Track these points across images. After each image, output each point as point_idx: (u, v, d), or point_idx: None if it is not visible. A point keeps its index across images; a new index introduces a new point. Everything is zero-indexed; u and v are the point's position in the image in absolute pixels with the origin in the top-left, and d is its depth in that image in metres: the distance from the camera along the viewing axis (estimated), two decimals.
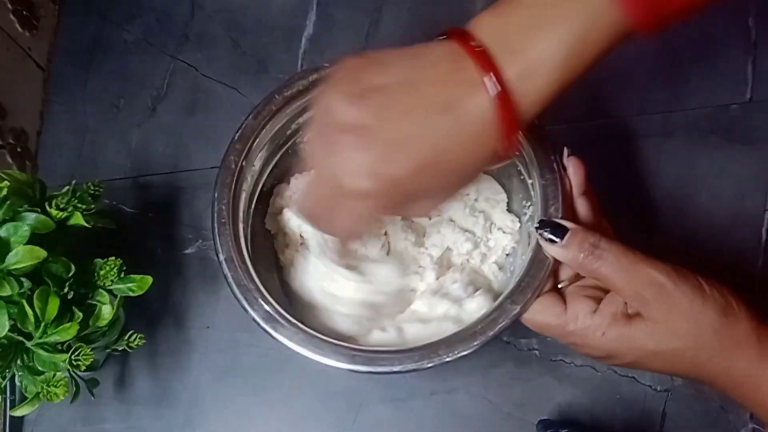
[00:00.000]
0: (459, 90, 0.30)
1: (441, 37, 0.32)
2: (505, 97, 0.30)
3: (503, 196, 0.48)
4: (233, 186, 0.42)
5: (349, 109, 0.31)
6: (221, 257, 0.40)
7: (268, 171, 0.47)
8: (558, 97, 0.31)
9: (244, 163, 0.43)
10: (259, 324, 0.39)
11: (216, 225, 0.41)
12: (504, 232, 0.47)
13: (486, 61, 0.30)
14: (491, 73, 0.30)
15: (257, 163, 0.45)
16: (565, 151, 0.40)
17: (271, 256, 0.48)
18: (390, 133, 0.30)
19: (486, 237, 0.47)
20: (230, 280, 0.40)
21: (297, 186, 0.48)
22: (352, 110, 0.31)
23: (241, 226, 0.42)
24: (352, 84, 0.31)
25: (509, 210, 0.48)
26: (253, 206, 0.45)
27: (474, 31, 0.31)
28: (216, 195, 0.42)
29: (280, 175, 0.48)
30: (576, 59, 0.30)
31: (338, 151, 0.31)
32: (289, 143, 0.47)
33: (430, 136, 0.31)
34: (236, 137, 0.43)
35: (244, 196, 0.43)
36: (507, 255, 0.47)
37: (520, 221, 0.47)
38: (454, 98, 0.30)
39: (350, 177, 0.31)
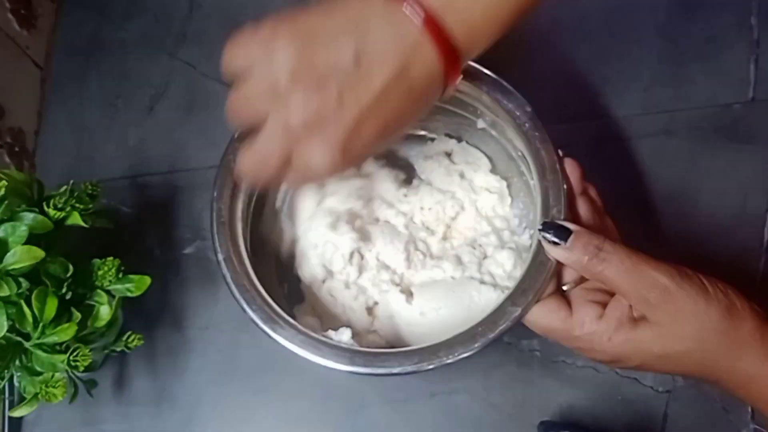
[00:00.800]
0: (396, 43, 0.31)
1: None
2: (432, 23, 0.31)
3: (485, 160, 0.49)
4: (232, 186, 0.42)
5: (309, 105, 0.31)
6: (220, 257, 0.40)
7: None
8: (502, 29, 0.33)
9: None
10: (257, 325, 0.39)
11: (215, 225, 0.41)
12: (490, 192, 0.48)
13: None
14: (407, 3, 0.31)
15: None
16: (560, 153, 0.40)
17: (270, 256, 0.48)
18: (353, 117, 0.31)
19: (470, 197, 0.48)
20: (229, 280, 0.40)
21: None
22: (313, 104, 0.31)
23: (239, 225, 0.42)
24: (306, 70, 0.31)
25: (493, 172, 0.49)
26: (252, 206, 0.45)
27: None
28: (215, 195, 0.42)
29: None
30: None
31: (299, 141, 0.32)
32: None
33: (391, 105, 0.32)
34: (235, 136, 0.43)
35: (242, 196, 0.43)
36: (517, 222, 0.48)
37: (508, 183, 0.49)
38: (398, 59, 0.31)
39: (312, 163, 0.32)
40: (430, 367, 0.37)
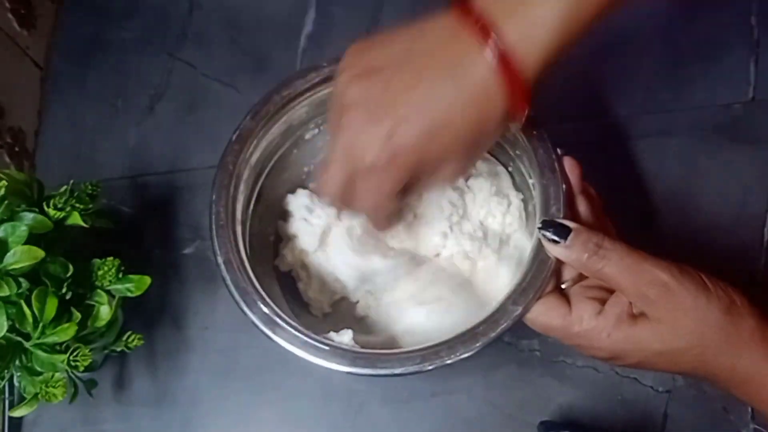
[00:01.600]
0: (459, 58, 0.32)
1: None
2: (505, 59, 0.31)
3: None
4: (231, 187, 0.42)
5: (352, 89, 0.33)
6: (219, 259, 0.40)
7: (266, 172, 0.46)
8: (564, 52, 0.32)
9: (242, 165, 0.43)
10: (258, 327, 0.38)
11: (214, 227, 0.41)
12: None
13: (484, 27, 0.31)
14: (489, 39, 0.31)
15: (255, 164, 0.45)
16: (558, 151, 0.40)
17: (269, 257, 0.48)
18: (395, 106, 0.32)
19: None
20: (228, 282, 0.39)
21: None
22: (355, 89, 0.33)
23: (239, 228, 0.42)
24: (355, 66, 0.34)
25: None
26: (251, 207, 0.45)
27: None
28: (214, 197, 0.42)
29: (278, 176, 0.48)
30: (575, 17, 0.31)
31: (348, 129, 0.33)
32: (288, 143, 0.47)
33: (435, 105, 0.32)
34: (234, 138, 0.43)
35: (242, 197, 0.43)
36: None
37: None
38: (455, 66, 0.32)
39: (362, 152, 0.33)
40: (432, 366, 0.37)
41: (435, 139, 0.33)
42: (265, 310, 0.39)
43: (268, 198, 0.48)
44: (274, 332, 0.38)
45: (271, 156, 0.46)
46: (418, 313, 0.44)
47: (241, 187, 0.43)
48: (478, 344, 0.37)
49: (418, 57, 0.33)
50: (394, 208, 0.38)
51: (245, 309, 0.39)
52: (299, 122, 0.46)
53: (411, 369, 0.37)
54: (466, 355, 0.36)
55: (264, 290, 0.40)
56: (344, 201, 0.37)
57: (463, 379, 0.48)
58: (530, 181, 0.43)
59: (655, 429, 0.47)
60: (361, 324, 0.46)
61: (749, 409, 0.46)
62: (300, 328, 0.38)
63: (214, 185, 0.42)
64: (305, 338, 0.38)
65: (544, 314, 0.37)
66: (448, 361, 0.36)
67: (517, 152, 0.44)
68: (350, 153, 0.34)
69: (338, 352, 0.37)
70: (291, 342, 0.38)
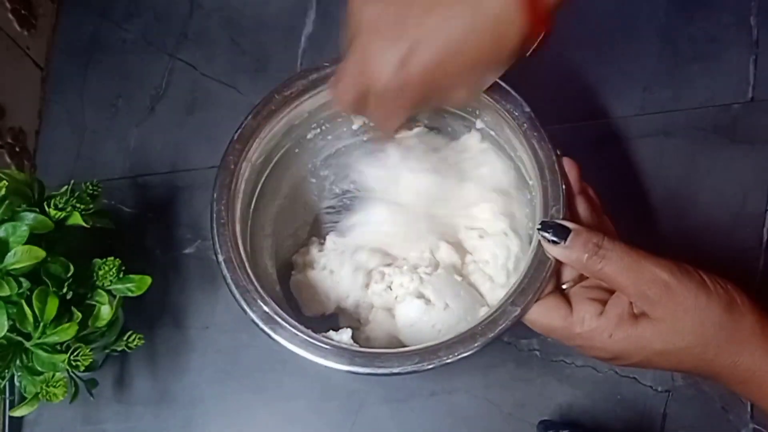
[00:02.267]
0: None
1: None
2: None
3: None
4: (232, 187, 0.42)
5: (368, 9, 0.33)
6: (220, 258, 0.40)
7: (267, 171, 0.46)
8: None
9: (243, 164, 0.43)
10: (258, 326, 0.39)
11: (215, 226, 0.41)
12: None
13: None
14: None
15: (257, 163, 0.45)
16: (557, 152, 0.40)
17: (269, 256, 0.48)
18: (412, 28, 0.32)
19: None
20: (229, 281, 0.40)
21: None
22: (371, 9, 0.33)
23: (239, 226, 0.42)
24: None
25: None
26: (252, 206, 0.45)
27: None
28: (215, 195, 0.42)
29: (279, 175, 0.48)
30: None
31: (363, 49, 0.33)
32: (289, 143, 0.47)
33: (451, 30, 0.32)
34: (235, 137, 0.43)
35: (242, 196, 0.43)
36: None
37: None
38: None
39: (376, 74, 0.33)
40: (431, 366, 0.37)
41: (448, 66, 0.33)
42: (266, 308, 0.39)
43: (269, 197, 0.48)
44: (274, 331, 0.38)
45: (272, 155, 0.46)
46: (416, 305, 0.44)
47: (242, 186, 0.43)
48: (476, 344, 0.37)
49: None
50: (404, 119, 0.38)
51: (245, 307, 0.39)
52: (300, 121, 0.46)
53: (409, 368, 0.37)
54: (464, 354, 0.37)
55: (264, 289, 0.40)
56: (357, 111, 0.37)
57: (462, 378, 0.48)
58: (530, 182, 0.43)
59: (654, 428, 0.47)
60: (361, 323, 0.47)
61: (748, 408, 0.46)
62: (300, 326, 0.38)
63: (216, 184, 0.42)
64: (305, 337, 0.38)
65: (546, 315, 0.37)
66: (447, 361, 0.36)
67: (517, 153, 0.44)
68: (364, 73, 0.34)
69: (337, 351, 0.37)
70: (291, 341, 0.38)
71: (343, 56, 0.36)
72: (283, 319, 0.38)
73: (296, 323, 0.38)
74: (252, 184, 0.45)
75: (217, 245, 0.40)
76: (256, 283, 0.40)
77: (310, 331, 0.38)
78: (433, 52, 0.32)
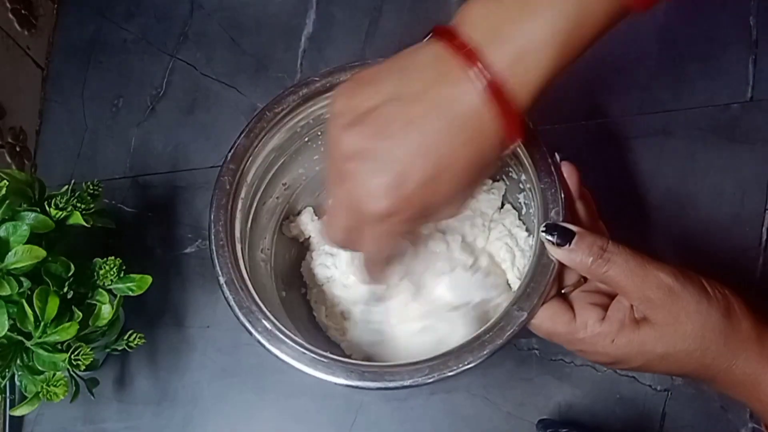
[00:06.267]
0: (448, 92, 0.30)
1: (428, 36, 0.32)
2: (495, 87, 0.29)
3: None
4: (229, 207, 0.41)
5: (348, 138, 0.31)
6: (221, 280, 0.40)
7: (263, 188, 0.46)
8: (557, 79, 0.31)
9: (238, 183, 0.42)
10: (265, 347, 0.38)
11: (214, 248, 0.40)
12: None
13: (470, 56, 0.29)
14: (475, 68, 0.29)
15: (252, 181, 0.44)
16: (557, 156, 0.40)
17: (268, 274, 0.48)
18: (392, 151, 0.31)
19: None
20: (232, 303, 0.39)
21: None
22: (351, 138, 0.31)
23: (239, 246, 0.42)
24: (347, 113, 0.32)
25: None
26: (249, 225, 0.45)
27: (461, 23, 0.31)
28: (212, 217, 0.41)
29: (274, 191, 0.48)
30: (571, 41, 0.30)
31: (348, 179, 0.32)
32: (282, 159, 0.47)
33: (432, 146, 0.31)
34: (229, 157, 0.42)
35: (240, 216, 0.42)
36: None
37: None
38: (446, 101, 0.30)
39: (365, 202, 0.32)
40: (442, 377, 0.36)
41: (439, 182, 0.31)
42: (271, 328, 0.38)
43: (266, 213, 0.48)
44: (281, 351, 0.38)
45: (267, 172, 0.46)
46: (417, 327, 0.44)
47: (239, 205, 0.43)
48: (485, 352, 0.36)
49: (407, 96, 0.31)
50: (395, 247, 0.38)
51: (250, 329, 0.39)
52: (292, 137, 0.46)
53: (419, 381, 0.36)
54: (474, 363, 0.36)
55: (266, 306, 0.39)
56: (349, 245, 0.36)
57: (462, 377, 0.48)
58: (528, 186, 0.43)
59: (653, 427, 0.47)
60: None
61: (747, 408, 0.47)
62: (306, 344, 0.38)
63: (212, 205, 0.41)
64: (312, 355, 0.37)
65: (549, 320, 0.37)
66: (459, 370, 0.36)
67: (514, 158, 0.44)
68: (356, 204, 0.32)
69: (346, 367, 0.37)
70: (298, 360, 0.37)
71: (329, 192, 0.35)
72: (290, 338, 0.38)
73: (302, 341, 0.38)
74: (249, 201, 0.44)
75: (218, 267, 0.40)
76: (259, 303, 0.39)
77: (317, 350, 0.38)
78: (421, 174, 0.31)
